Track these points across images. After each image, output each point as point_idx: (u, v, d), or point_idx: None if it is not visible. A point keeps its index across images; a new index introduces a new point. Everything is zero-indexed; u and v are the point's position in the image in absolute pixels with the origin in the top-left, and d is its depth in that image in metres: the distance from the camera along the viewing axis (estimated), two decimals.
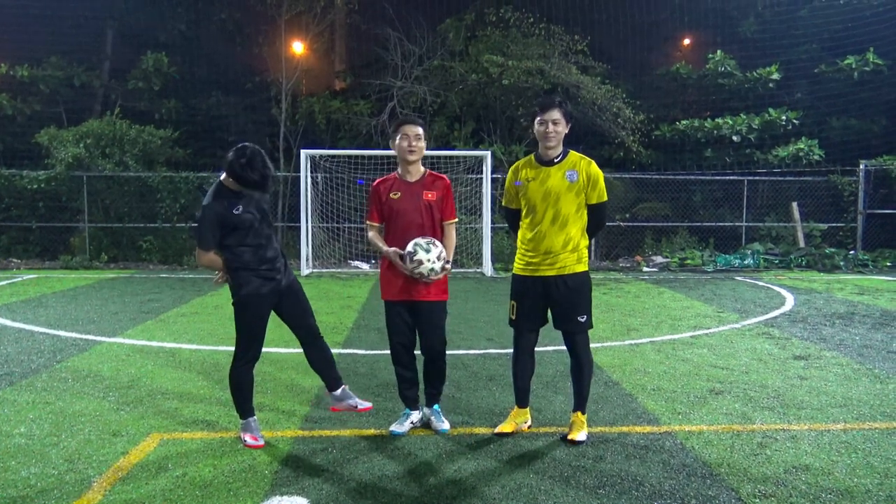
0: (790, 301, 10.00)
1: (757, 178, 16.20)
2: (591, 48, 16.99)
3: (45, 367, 5.95)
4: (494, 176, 14.11)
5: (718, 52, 17.75)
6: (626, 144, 16.35)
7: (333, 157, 14.49)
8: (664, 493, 3.52)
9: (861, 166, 15.79)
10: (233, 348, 4.18)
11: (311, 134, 17.67)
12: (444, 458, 3.97)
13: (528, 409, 4.46)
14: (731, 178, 16.18)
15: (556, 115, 4.13)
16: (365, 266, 14.27)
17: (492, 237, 13.94)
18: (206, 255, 4.00)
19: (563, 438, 4.23)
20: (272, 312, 4.18)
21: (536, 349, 4.44)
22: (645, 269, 14.76)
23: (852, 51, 17.09)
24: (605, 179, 4.28)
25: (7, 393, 5.16)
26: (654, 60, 19.80)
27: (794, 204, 15.99)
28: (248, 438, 4.13)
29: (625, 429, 4.46)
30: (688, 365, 6.13)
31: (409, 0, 18.60)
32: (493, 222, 13.79)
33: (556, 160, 4.20)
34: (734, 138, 16.70)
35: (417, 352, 4.43)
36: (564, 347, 4.40)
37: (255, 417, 4.23)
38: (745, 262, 14.71)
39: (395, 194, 4.29)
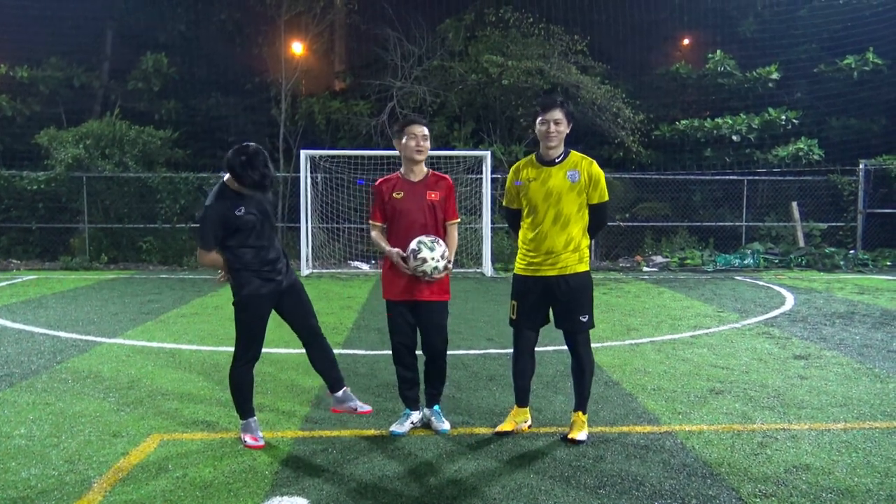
0: (790, 301, 10.00)
1: (757, 177, 16.20)
2: (590, 48, 16.99)
3: (46, 368, 5.95)
4: (494, 176, 14.11)
5: (718, 51, 17.75)
6: (625, 144, 16.35)
7: (333, 157, 14.49)
8: (664, 492, 3.52)
9: (861, 166, 15.79)
10: (233, 349, 4.18)
11: (311, 134, 17.67)
12: (444, 458, 3.97)
13: (528, 408, 4.46)
14: (731, 177, 16.19)
15: (557, 114, 4.13)
16: (365, 266, 14.27)
17: (492, 237, 13.94)
18: (207, 255, 4.01)
19: (564, 438, 4.23)
20: (274, 312, 4.18)
21: (537, 349, 4.44)
22: (645, 268, 14.76)
23: (852, 50, 17.09)
24: (606, 179, 4.28)
25: (7, 394, 5.16)
26: (653, 60, 19.80)
27: (794, 203, 15.99)
28: (248, 439, 4.13)
29: (625, 428, 4.46)
30: (688, 365, 6.13)
31: (409, 0, 18.61)
32: (492, 222, 13.80)
33: (557, 160, 4.20)
34: (734, 138, 16.70)
35: (418, 352, 4.43)
36: (565, 347, 4.40)
37: (255, 418, 4.23)
38: (745, 261, 14.71)
39: (398, 194, 4.28)
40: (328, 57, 20.15)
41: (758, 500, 3.44)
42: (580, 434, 4.19)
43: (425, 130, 4.29)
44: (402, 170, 4.39)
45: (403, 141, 4.27)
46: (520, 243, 4.35)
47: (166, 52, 17.90)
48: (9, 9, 18.06)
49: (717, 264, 14.63)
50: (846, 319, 8.45)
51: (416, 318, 4.33)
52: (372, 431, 4.39)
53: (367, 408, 4.29)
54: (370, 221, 4.43)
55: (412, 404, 4.45)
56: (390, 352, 4.46)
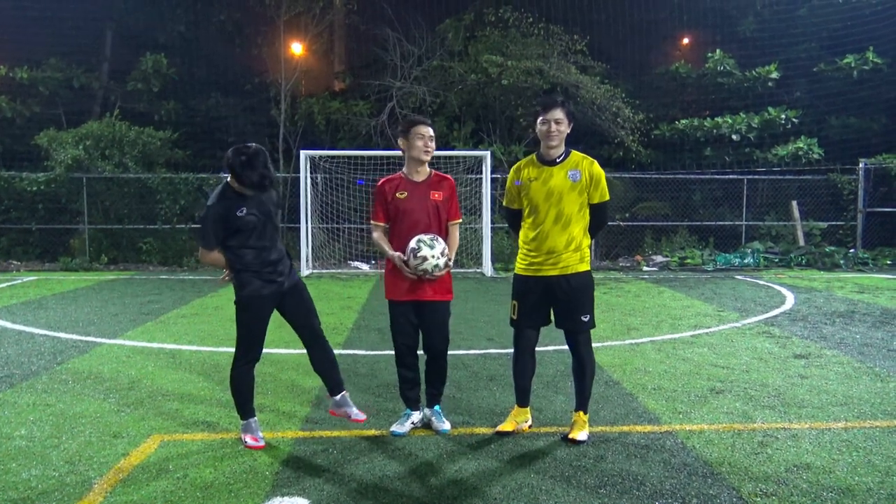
0: (790, 300, 10.00)
1: (756, 176, 16.20)
2: (590, 48, 16.99)
3: (46, 368, 5.95)
4: (494, 176, 14.12)
5: (717, 51, 17.75)
6: (625, 144, 16.36)
7: (333, 157, 14.49)
8: (665, 492, 3.52)
9: (860, 165, 15.79)
10: (233, 349, 4.18)
11: (311, 135, 17.68)
12: (444, 458, 3.97)
13: (528, 408, 4.46)
14: (731, 177, 16.19)
15: (558, 114, 4.13)
16: (365, 266, 14.27)
17: (492, 237, 13.94)
18: (209, 254, 4.02)
19: (564, 438, 4.23)
20: (276, 313, 4.18)
21: (537, 349, 4.44)
22: (645, 268, 14.76)
23: (851, 49, 17.09)
24: (606, 179, 4.28)
25: (7, 395, 5.16)
26: (653, 60, 19.80)
27: (794, 203, 15.99)
28: (248, 439, 4.13)
29: (625, 428, 4.45)
30: (688, 364, 6.13)
31: (408, 0, 18.61)
32: (492, 222, 13.80)
33: (558, 160, 4.20)
34: (734, 137, 16.70)
35: (420, 352, 4.43)
36: (565, 347, 4.40)
37: (255, 418, 4.23)
38: (745, 260, 14.70)
39: (401, 194, 4.28)
40: (328, 57, 20.15)
41: (758, 499, 3.44)
42: (581, 434, 4.19)
43: (431, 131, 4.30)
44: (404, 170, 4.38)
45: (410, 141, 4.26)
46: (520, 243, 4.35)
47: (166, 53, 17.90)
48: (8, 10, 18.06)
49: (717, 263, 14.63)
50: (846, 318, 8.45)
51: (419, 318, 4.33)
52: (372, 432, 4.39)
53: (362, 416, 4.27)
54: (372, 221, 4.41)
55: (413, 404, 4.45)
56: (390, 352, 4.46)
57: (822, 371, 5.88)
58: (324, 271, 13.86)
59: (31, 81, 17.37)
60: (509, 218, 4.56)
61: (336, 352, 6.40)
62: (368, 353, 6.60)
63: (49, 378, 5.64)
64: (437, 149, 4.76)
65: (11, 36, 17.89)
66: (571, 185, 4.14)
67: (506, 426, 4.35)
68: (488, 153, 13.98)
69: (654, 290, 11.26)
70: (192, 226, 15.03)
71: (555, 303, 4.24)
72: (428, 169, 4.37)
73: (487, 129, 17.02)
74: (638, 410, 4.82)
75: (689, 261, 14.84)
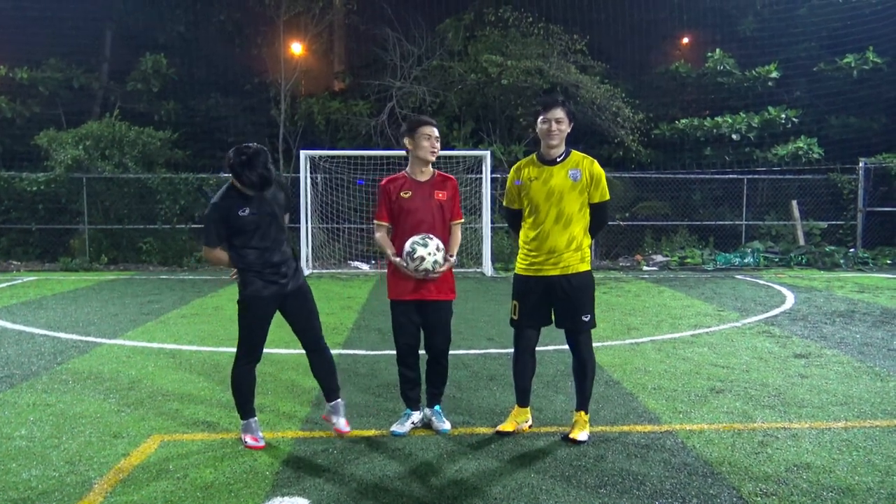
0: (790, 299, 10.00)
1: (756, 176, 16.20)
2: (589, 47, 16.99)
3: (46, 368, 5.95)
4: (494, 176, 14.12)
5: (717, 50, 17.75)
6: (625, 143, 16.35)
7: (333, 157, 14.49)
8: (665, 492, 3.52)
9: (860, 164, 15.79)
10: (233, 349, 4.18)
11: (311, 135, 17.68)
12: (445, 458, 3.97)
13: (528, 408, 4.46)
14: (731, 176, 16.19)
15: (559, 113, 4.14)
16: (365, 266, 14.27)
17: (492, 237, 13.94)
18: (211, 251, 4.05)
19: (565, 438, 4.23)
20: (279, 314, 4.19)
21: (537, 349, 4.44)
22: (645, 268, 14.76)
23: (851, 49, 17.09)
24: (606, 178, 4.28)
25: (7, 395, 5.16)
26: (653, 59, 19.81)
27: (794, 202, 15.99)
28: (248, 439, 4.13)
29: (626, 428, 4.45)
30: (688, 364, 6.13)
31: (408, 0, 18.60)
32: (492, 222, 13.80)
33: (558, 159, 4.20)
34: (733, 137, 16.70)
35: (421, 352, 4.43)
36: (565, 347, 4.40)
37: (255, 418, 4.23)
38: (745, 260, 14.70)
39: (405, 193, 4.27)
40: (327, 57, 20.16)
41: (759, 498, 3.44)
42: (581, 434, 4.19)
43: (437, 132, 4.32)
44: (408, 169, 4.38)
45: (416, 141, 4.25)
46: (521, 243, 4.35)
47: (165, 53, 17.90)
48: (8, 10, 18.06)
49: (717, 263, 14.63)
50: (846, 318, 8.45)
51: (421, 317, 4.34)
52: (372, 432, 4.39)
53: (347, 429, 4.27)
54: (376, 221, 4.40)
55: (413, 404, 4.45)
56: (390, 352, 4.46)
57: (822, 371, 5.88)
58: (324, 271, 13.85)
59: (31, 81, 17.37)
60: (509, 218, 4.56)
61: (336, 352, 6.44)
62: (368, 353, 6.60)
63: (49, 378, 5.64)
64: None
65: (11, 36, 17.89)
66: (572, 184, 4.14)
67: (506, 426, 4.35)
68: (488, 153, 13.98)
69: (655, 289, 11.26)
70: (192, 226, 15.05)
71: (555, 303, 4.24)
72: (431, 169, 4.38)
73: (487, 129, 17.02)
74: (638, 410, 4.82)
75: (689, 260, 14.84)
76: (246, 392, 4.18)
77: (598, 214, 4.27)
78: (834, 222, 16.08)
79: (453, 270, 4.40)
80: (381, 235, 4.39)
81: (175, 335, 7.42)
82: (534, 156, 4.33)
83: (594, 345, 4.38)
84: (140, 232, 14.99)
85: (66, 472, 3.75)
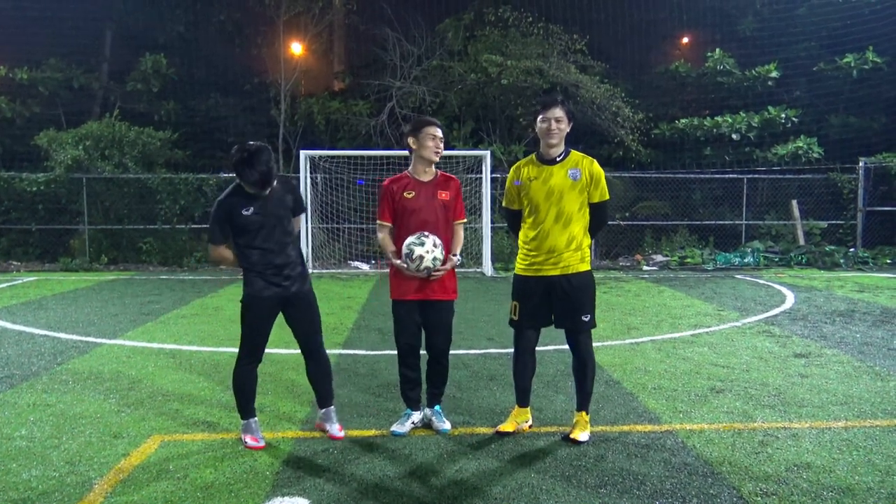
0: (790, 299, 10.00)
1: (756, 176, 16.20)
2: (589, 47, 17.00)
3: (46, 369, 5.95)
4: (494, 175, 14.11)
5: (717, 50, 17.75)
6: (625, 143, 16.36)
7: (333, 157, 14.49)
8: (665, 491, 3.52)
9: (860, 164, 15.79)
10: (233, 349, 4.19)
11: (311, 135, 17.68)
12: (445, 458, 3.97)
13: (528, 408, 4.46)
14: (731, 176, 16.19)
15: (558, 112, 4.14)
16: (365, 266, 14.26)
17: (492, 237, 13.94)
18: (215, 248, 4.09)
19: (565, 438, 4.23)
20: (282, 316, 4.20)
21: (537, 349, 4.44)
22: (645, 267, 14.76)
23: (851, 49, 17.09)
24: (606, 178, 4.28)
25: (8, 395, 5.16)
26: (652, 59, 19.81)
27: (794, 202, 15.98)
28: (248, 440, 4.13)
29: (626, 428, 4.45)
30: (688, 363, 6.13)
31: (408, 0, 18.61)
32: (492, 222, 13.80)
33: (558, 159, 4.20)
34: (733, 136, 16.70)
35: (422, 351, 4.43)
36: (565, 347, 4.40)
37: (255, 418, 4.23)
38: (745, 260, 14.70)
39: (409, 193, 4.27)
40: (327, 57, 20.16)
41: (759, 498, 3.44)
42: (582, 434, 4.19)
43: (441, 133, 4.33)
44: (410, 169, 4.38)
45: (421, 141, 4.25)
46: (520, 243, 4.34)
47: (165, 53, 17.91)
48: (8, 11, 18.06)
49: (717, 263, 14.63)
50: (846, 317, 8.45)
51: (423, 317, 4.34)
52: (373, 432, 4.39)
53: (341, 434, 4.26)
54: (378, 221, 4.39)
55: (413, 404, 4.45)
56: (390, 352, 4.46)
57: (822, 370, 5.88)
58: (324, 271, 13.85)
59: (30, 82, 17.38)
60: (509, 219, 4.56)
61: (336, 352, 6.44)
62: (368, 353, 6.60)
63: (49, 378, 5.64)
64: None
65: (11, 36, 17.89)
66: (572, 183, 4.14)
67: (506, 426, 4.35)
68: (488, 153, 13.98)
69: (655, 289, 11.26)
70: (192, 226, 15.06)
71: (555, 303, 4.23)
72: (434, 169, 4.38)
73: (487, 129, 17.02)
74: (638, 410, 4.82)
75: (689, 260, 14.84)
76: (247, 392, 4.18)
77: (598, 214, 4.27)
78: (834, 222, 16.08)
79: (454, 270, 4.40)
80: (383, 236, 4.38)
81: (175, 335, 7.42)
82: (533, 156, 4.33)
83: (594, 345, 4.38)
84: (140, 232, 14.99)
85: (66, 472, 3.75)
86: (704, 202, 16.48)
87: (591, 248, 4.84)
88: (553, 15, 17.80)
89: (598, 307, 4.53)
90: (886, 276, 13.03)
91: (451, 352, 4.53)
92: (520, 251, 4.34)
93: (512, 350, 4.46)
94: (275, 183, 4.04)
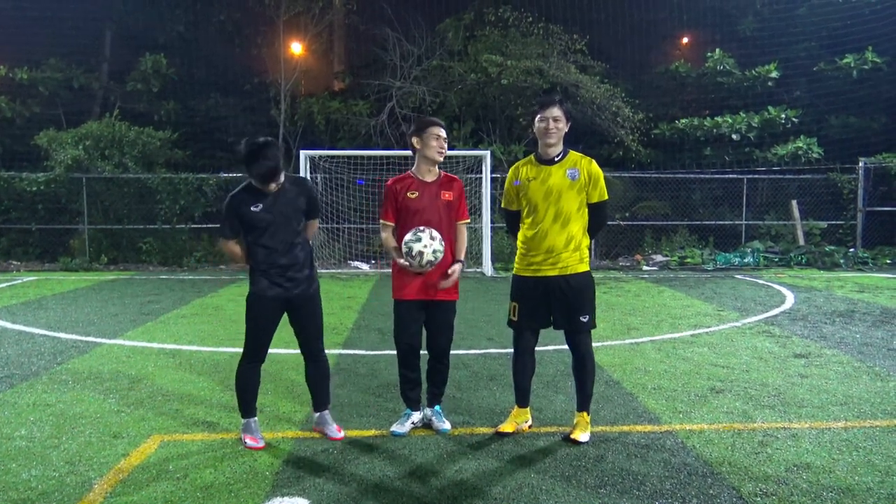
0: (790, 299, 10.00)
1: (756, 176, 16.21)
2: (589, 47, 16.99)
3: (46, 369, 5.95)
4: (494, 175, 14.12)
5: (717, 50, 17.76)
6: (625, 143, 16.35)
7: (333, 157, 14.49)
8: (665, 492, 3.52)
9: (860, 164, 15.79)
10: (234, 349, 4.19)
11: (311, 135, 17.68)
12: (445, 458, 3.97)
13: (528, 408, 4.46)
14: (731, 176, 16.19)
15: (556, 112, 4.14)
16: (365, 266, 14.27)
17: (492, 237, 13.94)
18: (225, 243, 4.14)
19: (565, 438, 4.23)
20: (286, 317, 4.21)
21: (537, 349, 4.44)
22: (645, 267, 14.76)
23: (851, 49, 17.09)
24: (605, 178, 4.28)
25: (7, 395, 5.16)
26: (652, 59, 19.81)
27: (794, 202, 15.99)
28: (248, 440, 4.13)
29: (626, 428, 4.45)
30: (688, 364, 6.13)
31: (408, 0, 18.60)
32: (492, 222, 13.80)
33: (556, 159, 4.20)
34: (733, 137, 16.70)
35: (422, 351, 4.43)
36: (565, 347, 4.39)
37: (255, 418, 4.23)
38: (745, 260, 14.71)
39: (412, 193, 4.28)
40: (327, 57, 20.16)
41: (758, 499, 3.44)
42: (582, 435, 4.19)
43: (445, 133, 4.34)
44: (413, 169, 4.38)
45: (425, 141, 4.26)
46: (519, 243, 4.34)
47: (165, 53, 17.91)
48: (8, 11, 18.06)
49: (716, 263, 14.63)
50: (846, 318, 8.45)
51: (425, 317, 4.34)
52: (372, 432, 4.39)
53: (340, 435, 4.27)
54: (381, 221, 4.40)
55: (413, 404, 4.45)
56: (390, 352, 4.46)
57: (822, 370, 5.88)
58: (324, 271, 13.84)
59: (30, 82, 17.38)
60: (508, 220, 4.55)
61: (336, 352, 6.45)
62: (368, 353, 6.60)
63: (49, 378, 5.64)
64: None
65: (11, 36, 17.89)
66: (570, 183, 4.14)
67: (506, 427, 4.35)
68: (488, 153, 13.98)
69: (654, 289, 11.26)
70: (192, 226, 15.06)
71: (554, 303, 4.23)
72: (437, 169, 4.38)
73: (487, 129, 17.01)
74: (638, 410, 4.82)
75: (689, 260, 14.85)
76: (249, 391, 4.19)
77: (597, 214, 4.26)
78: (834, 222, 16.08)
79: None
80: (386, 236, 4.39)
81: (175, 335, 7.42)
82: (532, 156, 4.33)
83: (594, 345, 4.38)
84: (140, 232, 14.99)
85: (66, 472, 3.75)
86: (704, 202, 16.49)
87: (590, 249, 4.84)
88: (553, 15, 17.80)
89: (598, 307, 4.53)
90: (886, 276, 13.04)
91: (451, 352, 4.53)
92: (518, 251, 4.34)
93: (512, 350, 4.46)
94: (283, 180, 4.04)
